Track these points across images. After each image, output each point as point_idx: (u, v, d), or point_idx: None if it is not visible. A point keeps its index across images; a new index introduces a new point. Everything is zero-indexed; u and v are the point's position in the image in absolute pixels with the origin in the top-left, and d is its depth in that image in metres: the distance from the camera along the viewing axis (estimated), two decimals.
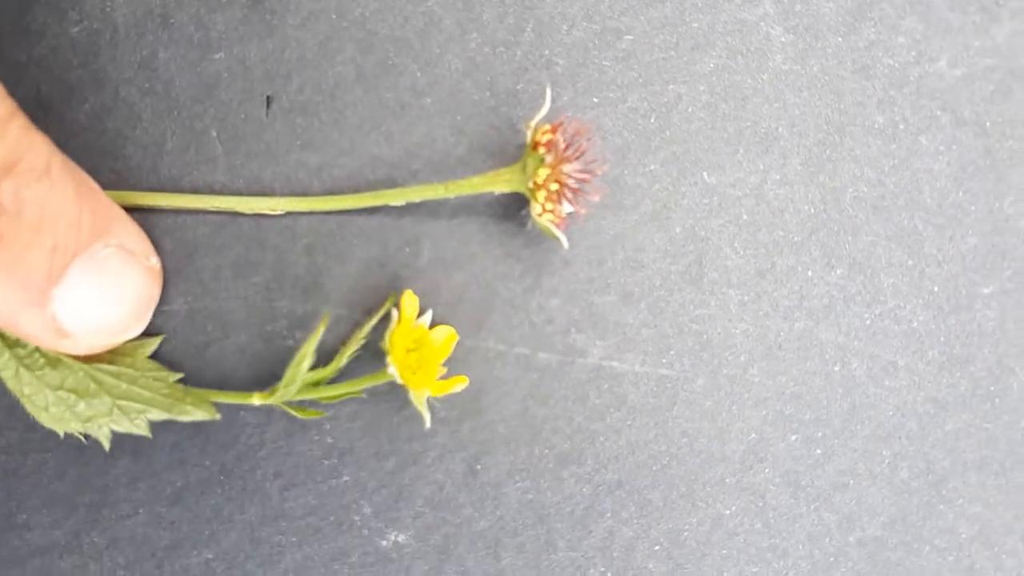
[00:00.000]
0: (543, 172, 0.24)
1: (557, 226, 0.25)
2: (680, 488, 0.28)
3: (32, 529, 0.27)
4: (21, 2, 0.26)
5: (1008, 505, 0.29)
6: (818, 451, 0.28)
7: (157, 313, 0.26)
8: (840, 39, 0.28)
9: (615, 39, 0.27)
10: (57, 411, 0.25)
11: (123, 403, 0.25)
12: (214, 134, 0.26)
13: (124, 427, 0.25)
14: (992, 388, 0.28)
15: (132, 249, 0.24)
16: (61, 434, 0.25)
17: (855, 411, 0.28)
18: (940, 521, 0.29)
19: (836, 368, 0.28)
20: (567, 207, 0.24)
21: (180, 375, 0.26)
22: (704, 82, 0.27)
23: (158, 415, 0.25)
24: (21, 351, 0.25)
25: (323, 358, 0.26)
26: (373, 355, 0.26)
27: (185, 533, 0.27)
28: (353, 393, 0.25)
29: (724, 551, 0.28)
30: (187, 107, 0.26)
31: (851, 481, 0.28)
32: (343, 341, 0.26)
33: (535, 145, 0.24)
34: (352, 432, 0.27)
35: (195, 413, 0.25)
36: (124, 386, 0.25)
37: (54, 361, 0.25)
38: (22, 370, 0.25)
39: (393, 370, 0.24)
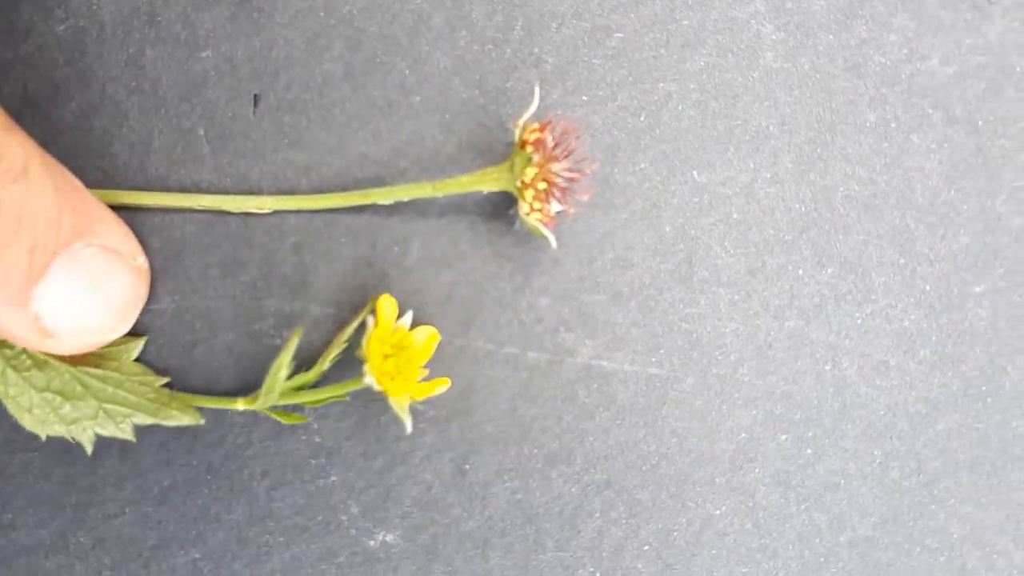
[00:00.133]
0: (531, 171, 0.24)
1: (546, 225, 0.24)
2: (669, 488, 0.28)
3: (18, 529, 0.27)
4: (6, 0, 0.26)
5: (1000, 505, 0.29)
6: (809, 451, 0.28)
7: (144, 312, 0.26)
8: (831, 37, 0.27)
9: (605, 37, 0.27)
10: (41, 413, 0.25)
11: (109, 407, 0.25)
12: (201, 132, 0.26)
13: (109, 431, 0.25)
14: (984, 388, 0.28)
15: (117, 248, 0.24)
16: (43, 437, 0.25)
17: (846, 410, 0.28)
18: (931, 521, 0.28)
19: (827, 367, 0.28)
20: (556, 206, 0.24)
21: (166, 379, 0.26)
22: (694, 80, 0.27)
23: (143, 419, 0.25)
24: (8, 352, 0.24)
25: (311, 358, 0.25)
26: (359, 356, 0.26)
27: (172, 533, 0.27)
28: (337, 397, 0.25)
29: (714, 551, 0.28)
30: (174, 105, 0.26)
31: (842, 481, 0.28)
32: (331, 340, 0.26)
33: (523, 144, 0.24)
34: (340, 432, 0.27)
35: (180, 418, 0.25)
36: (110, 390, 0.25)
37: (41, 363, 0.25)
38: (9, 371, 0.24)
39: (370, 378, 0.23)
